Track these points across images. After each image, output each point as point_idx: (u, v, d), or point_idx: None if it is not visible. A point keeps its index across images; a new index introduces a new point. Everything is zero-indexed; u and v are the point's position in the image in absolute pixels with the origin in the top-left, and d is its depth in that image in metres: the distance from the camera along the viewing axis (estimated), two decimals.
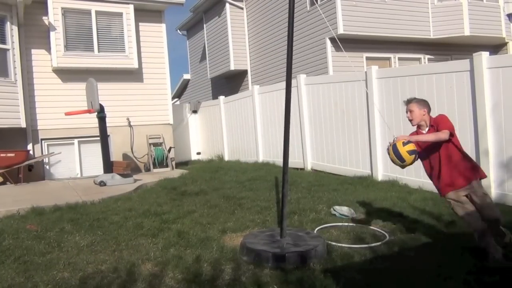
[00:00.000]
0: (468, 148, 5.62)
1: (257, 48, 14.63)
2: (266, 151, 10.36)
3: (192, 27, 19.18)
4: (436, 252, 3.70)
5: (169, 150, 10.93)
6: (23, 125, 9.19)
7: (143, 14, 10.80)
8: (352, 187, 6.61)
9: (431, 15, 12.18)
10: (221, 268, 3.55)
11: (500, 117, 5.24)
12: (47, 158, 9.74)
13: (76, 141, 10.14)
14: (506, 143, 5.20)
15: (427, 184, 6.19)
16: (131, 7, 10.33)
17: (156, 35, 11.03)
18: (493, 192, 5.34)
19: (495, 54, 11.99)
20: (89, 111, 8.53)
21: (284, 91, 4.03)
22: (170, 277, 3.41)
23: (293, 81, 8.98)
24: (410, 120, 3.74)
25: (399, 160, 3.55)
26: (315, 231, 4.45)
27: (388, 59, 12.19)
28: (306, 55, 12.13)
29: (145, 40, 10.86)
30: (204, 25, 16.83)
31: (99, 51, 10.07)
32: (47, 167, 9.83)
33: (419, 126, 3.75)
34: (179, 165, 11.75)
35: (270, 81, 13.21)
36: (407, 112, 3.75)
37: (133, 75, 10.63)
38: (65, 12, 9.71)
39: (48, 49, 9.66)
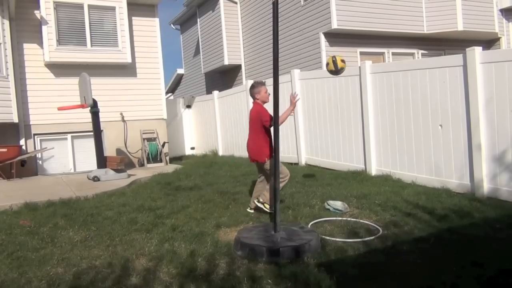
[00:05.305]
0: (461, 142, 5.66)
1: (251, 43, 14.60)
2: None
3: (185, 22, 19.09)
4: (429, 246, 3.73)
5: (163, 145, 10.91)
6: (15, 120, 9.13)
7: (136, 8, 10.74)
8: (346, 181, 6.63)
9: (425, 10, 12.21)
10: (216, 263, 3.56)
11: (493, 112, 5.27)
12: (40, 153, 9.68)
13: (69, 136, 10.10)
14: (499, 138, 5.23)
15: (420, 178, 6.25)
16: (124, 1, 10.27)
17: (149, 29, 10.98)
18: (486, 186, 5.38)
19: (488, 49, 12.06)
20: (82, 106, 8.49)
21: (278, 86, 4.02)
22: (164, 272, 3.42)
23: (287, 76, 8.98)
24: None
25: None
26: (309, 226, 4.47)
27: (382, 54, 12.22)
28: (300, 50, 12.12)
29: (138, 35, 10.80)
30: (198, 20, 16.75)
31: (92, 46, 10.01)
32: (40, 162, 9.78)
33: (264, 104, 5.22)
34: (173, 160, 11.73)
35: (264, 76, 13.18)
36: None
37: (127, 69, 10.58)
38: (57, 6, 9.63)
39: (40, 44, 9.59)
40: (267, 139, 5.04)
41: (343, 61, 4.52)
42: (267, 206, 4.98)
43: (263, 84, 5.28)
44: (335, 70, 4.53)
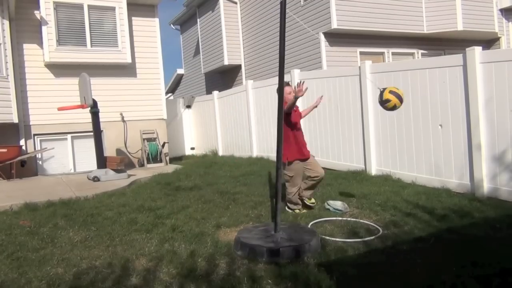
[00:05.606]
0: (461, 142, 5.66)
1: (251, 43, 14.60)
2: (260, 146, 10.37)
3: (185, 22, 19.08)
4: (429, 246, 3.73)
5: (163, 145, 10.91)
6: (15, 120, 9.13)
7: (136, 8, 10.73)
8: (346, 181, 6.63)
9: (425, 10, 12.20)
10: (216, 263, 3.56)
11: (493, 112, 5.27)
12: (40, 154, 9.68)
13: (69, 136, 10.09)
14: (499, 138, 5.23)
15: (420, 178, 6.25)
16: (124, 1, 10.26)
17: (149, 29, 10.98)
18: (486, 186, 5.38)
19: (488, 49, 12.06)
20: (82, 106, 8.49)
21: (283, 84, 4.02)
22: (164, 272, 3.42)
23: (287, 76, 8.97)
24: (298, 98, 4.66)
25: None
26: (309, 226, 4.47)
27: (382, 54, 12.21)
28: (300, 50, 12.12)
29: (138, 35, 10.80)
30: (198, 20, 16.75)
31: (91, 46, 10.01)
32: (40, 162, 9.78)
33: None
34: (173, 160, 11.73)
35: (264, 76, 13.19)
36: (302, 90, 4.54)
37: (126, 70, 10.58)
38: (57, 6, 9.62)
39: (40, 44, 9.59)
40: (292, 139, 4.92)
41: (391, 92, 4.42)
42: (310, 202, 5.19)
43: (286, 84, 5.02)
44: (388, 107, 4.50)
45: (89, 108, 8.38)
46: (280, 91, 3.96)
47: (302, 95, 4.48)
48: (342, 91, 7.68)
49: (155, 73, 11.02)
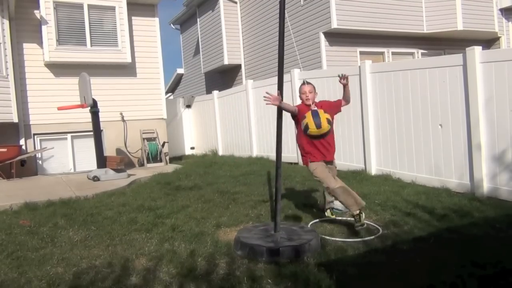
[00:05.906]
0: (461, 142, 5.66)
1: (251, 42, 14.59)
2: (260, 145, 10.37)
3: (185, 21, 19.08)
4: (429, 246, 3.73)
5: (163, 145, 10.91)
6: (15, 119, 9.12)
7: (136, 8, 10.73)
8: (346, 181, 6.55)
9: (425, 9, 12.20)
10: (216, 263, 3.56)
11: (493, 112, 5.27)
12: (39, 153, 9.68)
13: (69, 136, 10.09)
14: (498, 137, 5.23)
15: (420, 178, 6.24)
16: (124, 0, 10.26)
17: (149, 29, 10.98)
18: (485, 186, 5.38)
19: (488, 49, 12.06)
20: (82, 106, 8.49)
21: (283, 84, 4.02)
22: (164, 271, 3.41)
23: (287, 76, 8.97)
24: (307, 99, 4.57)
25: (316, 127, 4.26)
26: (309, 226, 4.47)
27: (382, 53, 12.21)
28: (300, 50, 12.11)
29: (138, 35, 10.80)
30: (198, 19, 16.75)
31: (91, 46, 10.00)
32: (40, 162, 9.78)
33: (308, 105, 4.56)
34: (173, 160, 11.73)
35: (264, 76, 13.19)
36: (309, 92, 4.60)
37: (126, 69, 10.58)
38: (57, 5, 9.62)
39: (40, 43, 9.58)
40: (309, 139, 4.46)
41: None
42: (362, 216, 4.14)
43: (302, 84, 4.69)
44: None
45: (89, 108, 8.38)
46: (280, 90, 3.95)
47: (271, 104, 3.96)
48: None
49: (155, 72, 11.02)
